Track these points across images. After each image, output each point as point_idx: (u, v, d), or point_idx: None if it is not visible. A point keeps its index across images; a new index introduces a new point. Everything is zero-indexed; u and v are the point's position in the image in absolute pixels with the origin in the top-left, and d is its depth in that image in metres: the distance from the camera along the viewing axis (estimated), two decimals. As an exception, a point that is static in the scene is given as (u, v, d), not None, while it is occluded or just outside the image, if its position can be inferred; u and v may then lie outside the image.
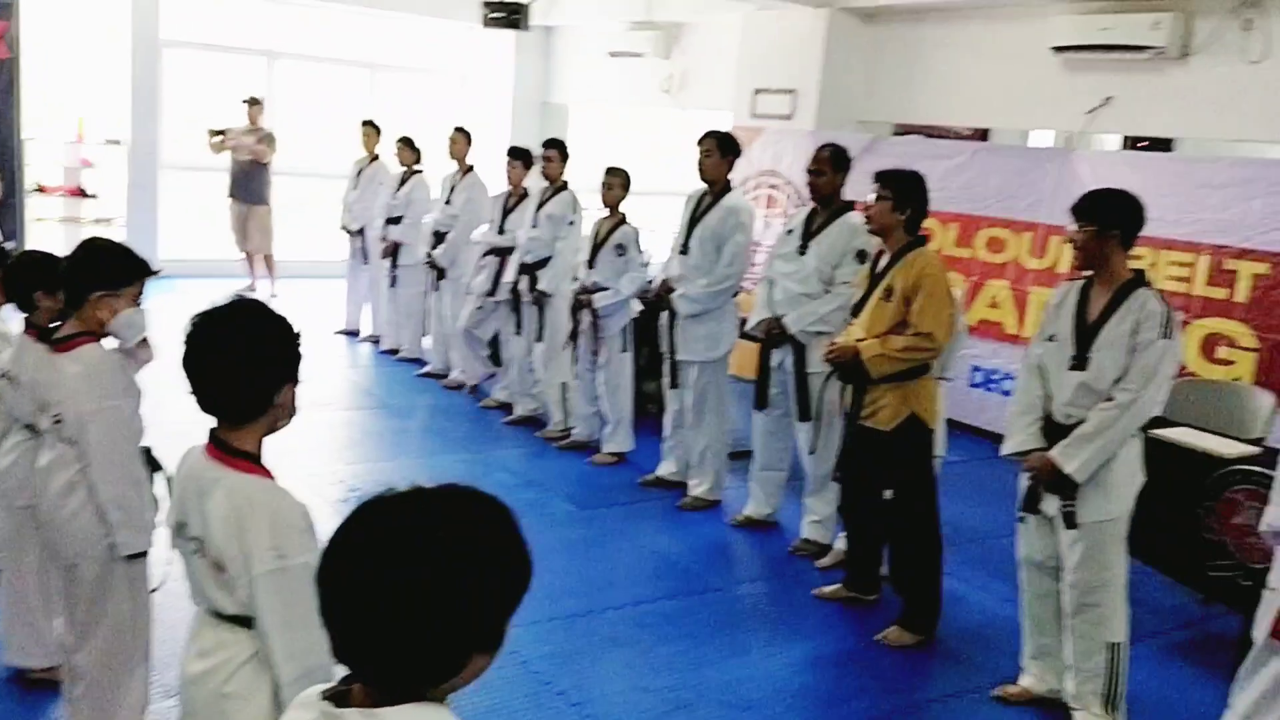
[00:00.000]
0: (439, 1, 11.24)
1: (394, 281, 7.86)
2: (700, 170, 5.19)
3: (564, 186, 6.25)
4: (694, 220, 5.23)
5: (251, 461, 1.94)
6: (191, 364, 1.89)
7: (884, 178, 4.09)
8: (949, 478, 4.14)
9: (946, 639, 4.08)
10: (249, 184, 9.85)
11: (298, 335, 1.99)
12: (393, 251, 7.77)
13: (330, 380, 7.24)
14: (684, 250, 5.24)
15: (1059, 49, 6.86)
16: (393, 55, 11.85)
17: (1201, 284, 5.94)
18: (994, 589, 4.48)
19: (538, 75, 11.81)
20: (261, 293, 9.99)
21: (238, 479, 1.91)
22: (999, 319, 6.91)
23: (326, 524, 1.80)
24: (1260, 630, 2.93)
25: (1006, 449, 3.54)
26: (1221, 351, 5.83)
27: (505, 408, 6.75)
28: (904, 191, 4.04)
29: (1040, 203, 6.78)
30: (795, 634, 4.08)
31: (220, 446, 1.93)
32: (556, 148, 6.29)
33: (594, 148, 10.24)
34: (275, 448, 1.99)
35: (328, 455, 5.68)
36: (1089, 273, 3.46)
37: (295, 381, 1.96)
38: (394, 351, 8.02)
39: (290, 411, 1.98)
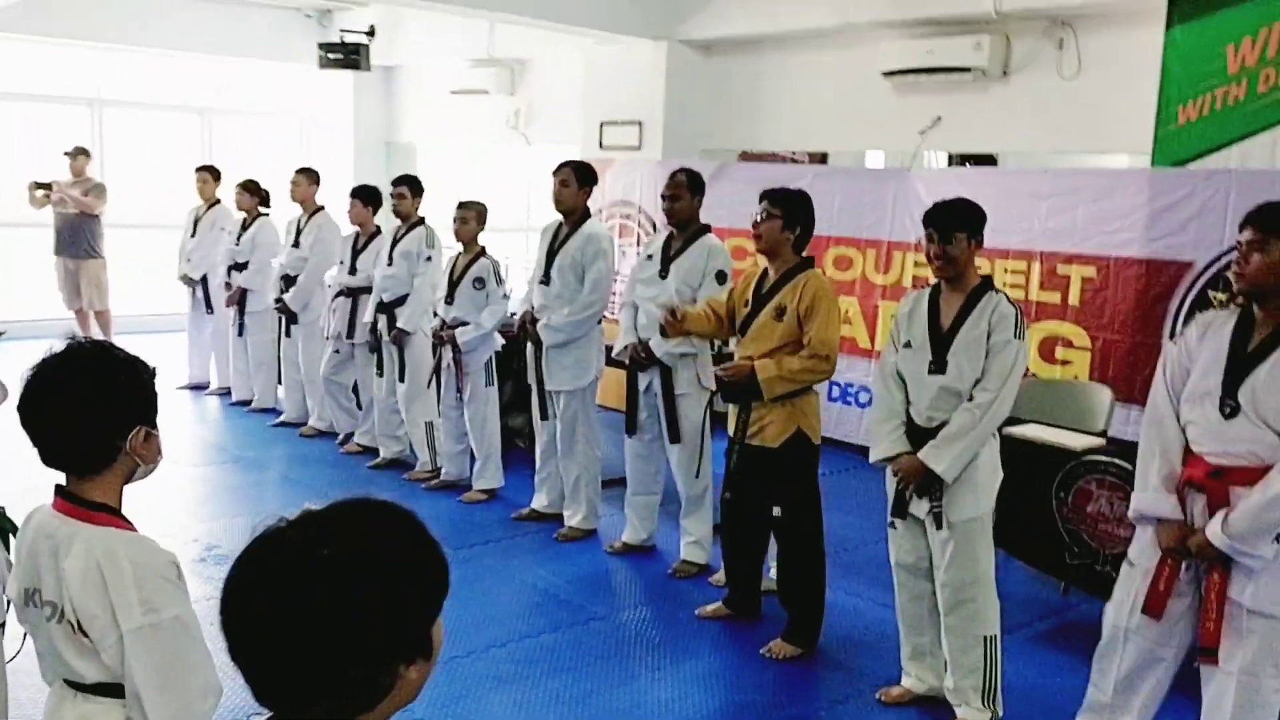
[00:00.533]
0: (273, 44, 11.02)
1: (241, 330, 7.58)
2: (557, 200, 5.19)
3: (419, 222, 6.16)
4: (553, 250, 5.22)
5: (110, 513, 1.82)
6: (30, 412, 1.76)
7: (772, 197, 4.13)
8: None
9: (829, 648, 4.14)
10: (78, 238, 9.36)
11: (149, 374, 1.88)
12: (239, 299, 7.50)
13: (178, 436, 6.90)
14: (545, 280, 5.22)
15: (889, 73, 7.18)
16: (226, 99, 11.51)
17: (1036, 289, 6.26)
18: (869, 595, 4.58)
19: (379, 115, 11.66)
20: (97, 351, 9.49)
21: (96, 532, 1.78)
22: (851, 335, 7.10)
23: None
24: (1121, 609, 3.08)
25: (875, 455, 3.63)
26: (1059, 352, 6.14)
27: (369, 452, 6.58)
28: (792, 210, 4.09)
29: (882, 220, 7.03)
30: (682, 655, 4.08)
31: (72, 500, 1.81)
32: (407, 184, 6.20)
33: (443, 185, 10.12)
34: (124, 509, 1.87)
35: (181, 514, 5.41)
36: (936, 280, 3.59)
37: (150, 424, 1.85)
38: (246, 403, 7.72)
39: (151, 458, 1.86)
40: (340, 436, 6.84)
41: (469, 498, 5.82)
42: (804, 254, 4.17)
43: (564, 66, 9.34)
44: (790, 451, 4.06)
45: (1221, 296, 5.42)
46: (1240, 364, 2.81)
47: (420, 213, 6.22)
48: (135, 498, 1.92)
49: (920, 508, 3.51)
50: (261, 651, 1.10)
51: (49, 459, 1.80)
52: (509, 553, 5.08)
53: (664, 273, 4.81)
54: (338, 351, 6.57)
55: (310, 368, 7.00)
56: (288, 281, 7.04)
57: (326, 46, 10.44)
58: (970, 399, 3.40)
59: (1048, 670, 4.05)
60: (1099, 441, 4.38)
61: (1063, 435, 4.44)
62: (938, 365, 3.47)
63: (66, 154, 9.34)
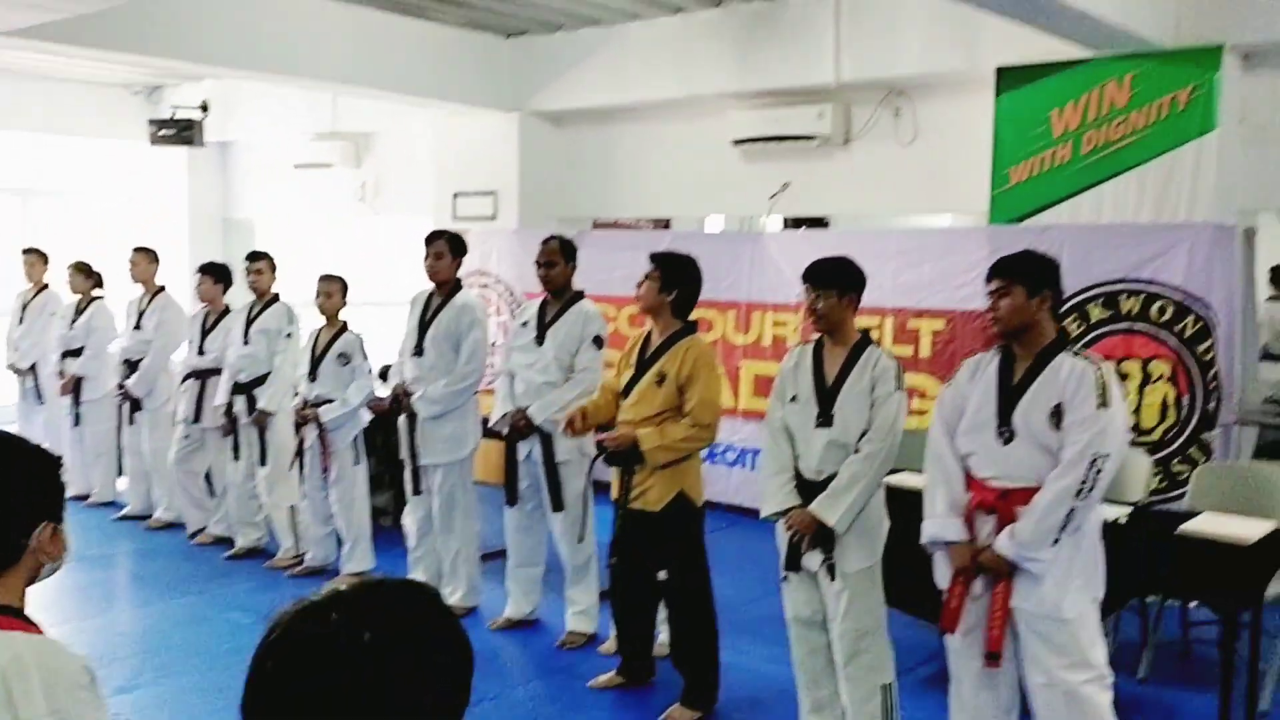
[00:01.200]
0: (100, 121, 10.57)
1: (77, 420, 7.11)
2: (430, 272, 5.12)
3: (276, 298, 5.95)
4: (425, 321, 5.13)
5: (13, 615, 1.66)
6: None
7: (655, 258, 4.17)
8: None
9: (727, 709, 4.12)
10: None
11: (54, 465, 1.75)
12: (74, 387, 7.05)
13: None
14: (418, 352, 5.11)
15: (738, 141, 7.42)
16: (48, 179, 10.92)
17: (889, 343, 6.50)
18: (761, 653, 4.59)
19: (215, 191, 11.29)
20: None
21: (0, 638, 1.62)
22: (716, 395, 7.21)
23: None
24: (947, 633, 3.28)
25: (766, 510, 3.67)
26: (915, 403, 6.36)
27: (224, 542, 6.23)
28: (671, 272, 4.12)
29: (739, 282, 7.20)
30: (580, 729, 3.98)
31: None
32: (264, 259, 6.00)
33: (287, 261, 9.84)
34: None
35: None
36: (817, 335, 3.68)
37: (56, 520, 1.71)
38: (84, 497, 7.21)
39: (58, 555, 1.72)
40: (190, 528, 6.46)
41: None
42: (689, 319, 4.21)
43: (412, 138, 9.27)
44: (673, 514, 4.05)
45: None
46: (1010, 395, 3.14)
47: (275, 289, 6.01)
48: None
49: (813, 560, 3.56)
50: None
51: None
52: (388, 637, 4.87)
53: (540, 340, 4.78)
54: (188, 437, 6.24)
55: (157, 456, 6.62)
56: (130, 366, 6.67)
57: (158, 123, 10.08)
58: (857, 451, 3.48)
59: (935, 712, 4.11)
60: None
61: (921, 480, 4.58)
62: (824, 419, 3.55)
63: None
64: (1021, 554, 3.03)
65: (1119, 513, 4.03)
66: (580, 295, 4.85)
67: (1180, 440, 5.35)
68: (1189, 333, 5.37)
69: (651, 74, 7.50)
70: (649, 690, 4.26)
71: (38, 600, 5.07)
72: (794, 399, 3.65)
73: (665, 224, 9.03)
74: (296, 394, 5.64)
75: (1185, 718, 4.13)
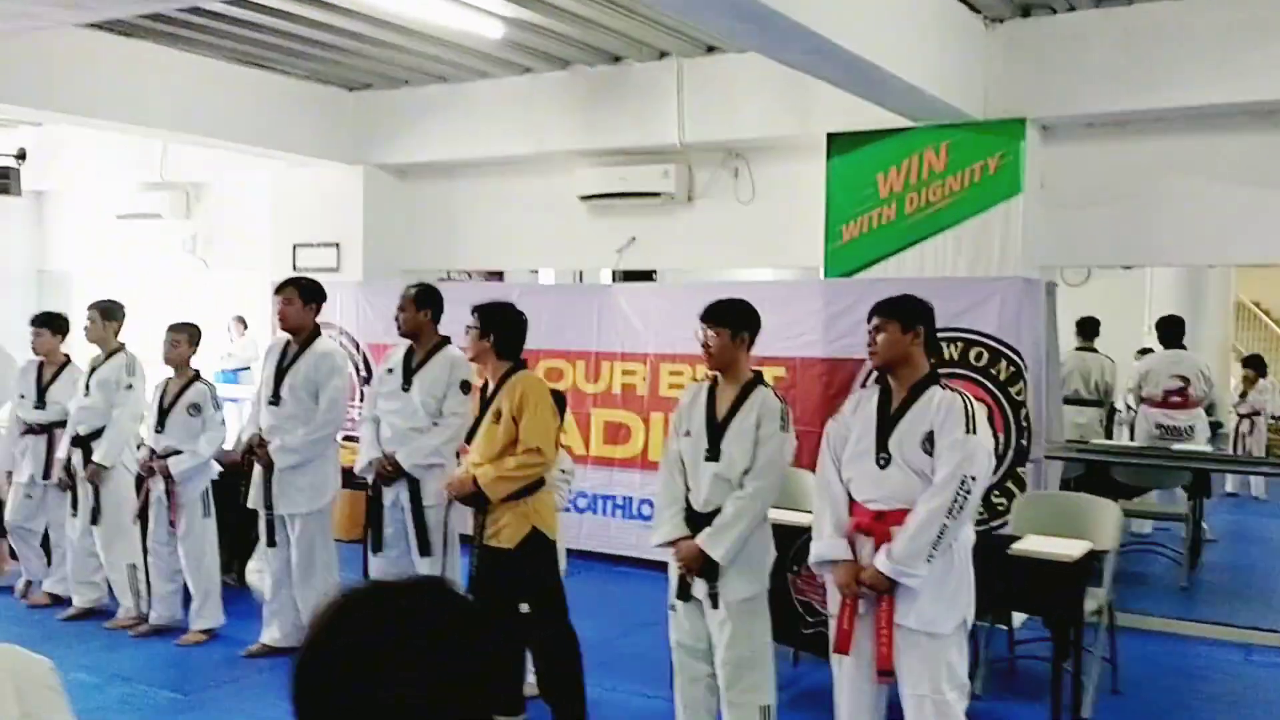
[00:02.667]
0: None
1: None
2: (282, 319, 5.10)
3: (119, 349, 5.76)
4: (281, 369, 5.09)
5: None
6: None
7: (475, 309, 4.33)
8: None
9: (592, 735, 4.23)
10: None
11: None
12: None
13: None
14: (274, 401, 5.07)
15: (585, 197, 7.67)
16: None
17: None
18: (629, 688, 4.73)
19: (29, 242, 10.74)
20: None
21: None
22: (568, 443, 7.32)
23: None
24: (833, 661, 3.55)
25: (656, 539, 3.85)
26: (759, 447, 6.70)
27: (61, 602, 5.92)
28: (488, 319, 4.27)
29: (589, 332, 7.41)
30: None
31: None
32: (98, 308, 5.80)
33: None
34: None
35: None
36: (715, 374, 3.89)
37: None
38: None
39: None
40: (20, 585, 6.11)
41: (187, 639, 5.40)
42: (518, 359, 4.36)
43: (247, 189, 9.12)
44: (528, 550, 4.16)
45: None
46: (887, 423, 3.42)
47: (120, 339, 5.82)
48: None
49: (700, 589, 3.75)
50: None
51: None
52: (248, 692, 4.77)
53: (406, 386, 4.83)
54: (30, 496, 5.92)
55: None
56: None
57: (-31, 169, 9.56)
58: (741, 486, 3.69)
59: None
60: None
61: (790, 515, 4.87)
62: (712, 453, 3.76)
63: None
64: (898, 569, 3.27)
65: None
66: (446, 341, 4.94)
67: (999, 474, 5.84)
68: (1003, 375, 5.89)
69: (500, 130, 7.68)
70: (523, 724, 4.32)
71: None
72: (688, 433, 3.84)
73: (498, 275, 9.15)
74: (141, 446, 5.47)
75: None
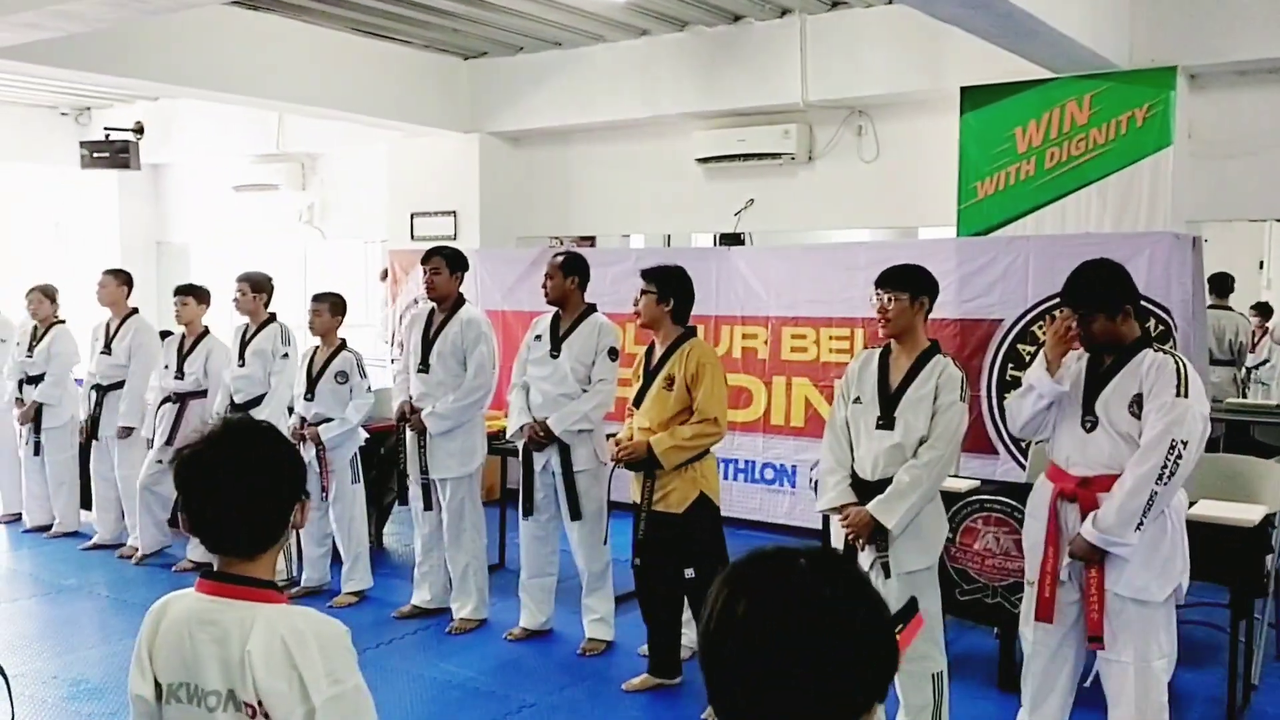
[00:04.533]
0: (26, 144, 10.25)
1: (37, 449, 6.88)
2: (430, 288, 5.16)
3: (271, 319, 5.90)
4: (428, 338, 5.16)
5: (275, 590, 1.79)
6: (206, 497, 1.73)
7: (647, 274, 4.34)
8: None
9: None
10: None
11: (292, 443, 1.95)
12: (35, 414, 6.83)
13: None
14: (423, 368, 5.14)
15: (702, 160, 7.61)
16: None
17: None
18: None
19: (148, 214, 11.03)
20: None
21: (274, 610, 1.74)
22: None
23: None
24: (1026, 626, 3.48)
25: (821, 504, 3.82)
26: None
27: (205, 568, 6.10)
28: (666, 284, 4.30)
29: (708, 298, 7.35)
30: (626, 730, 4.07)
31: (238, 581, 1.76)
32: (248, 280, 5.93)
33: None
34: None
35: (25, 652, 4.83)
36: (889, 340, 3.82)
37: (306, 496, 1.85)
38: (45, 528, 6.99)
39: (303, 524, 1.88)
40: (138, 555, 6.35)
41: (339, 602, 5.53)
42: (688, 324, 4.36)
43: (362, 159, 9.25)
44: (695, 515, 4.20)
45: (1030, 349, 6.07)
46: (1095, 385, 3.33)
47: (271, 309, 5.96)
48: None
49: (868, 557, 3.72)
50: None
51: (222, 542, 1.76)
52: (401, 652, 4.88)
53: (555, 352, 4.86)
54: (160, 461, 6.11)
55: (127, 482, 6.47)
56: (99, 391, 6.51)
57: (91, 145, 9.83)
58: (915, 456, 3.64)
59: (958, 699, 4.32)
60: (976, 483, 4.78)
61: (948, 480, 4.80)
62: (885, 421, 3.70)
63: None
64: (1106, 538, 3.17)
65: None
66: (593, 308, 4.94)
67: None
68: (1152, 334, 5.71)
69: (615, 95, 7.65)
70: (680, 690, 4.36)
71: (29, 631, 5.03)
72: (857, 400, 3.80)
73: (590, 241, 9.03)
74: (291, 414, 5.60)
75: (1184, 694, 4.40)
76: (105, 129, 9.94)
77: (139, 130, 10.06)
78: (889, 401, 3.71)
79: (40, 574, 6.23)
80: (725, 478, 7.24)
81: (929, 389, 3.66)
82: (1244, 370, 8.61)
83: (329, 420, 5.44)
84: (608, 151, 8.17)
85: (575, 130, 8.16)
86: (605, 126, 7.98)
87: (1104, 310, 3.30)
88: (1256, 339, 9.08)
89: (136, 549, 6.46)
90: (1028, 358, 6.05)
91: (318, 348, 5.57)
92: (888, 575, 3.66)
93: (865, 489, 3.69)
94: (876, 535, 3.63)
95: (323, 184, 9.81)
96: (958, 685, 4.33)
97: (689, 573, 4.22)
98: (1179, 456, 3.14)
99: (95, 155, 9.86)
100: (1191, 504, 4.33)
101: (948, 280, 6.41)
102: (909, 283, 3.73)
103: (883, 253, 6.85)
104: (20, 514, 7.21)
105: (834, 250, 7.33)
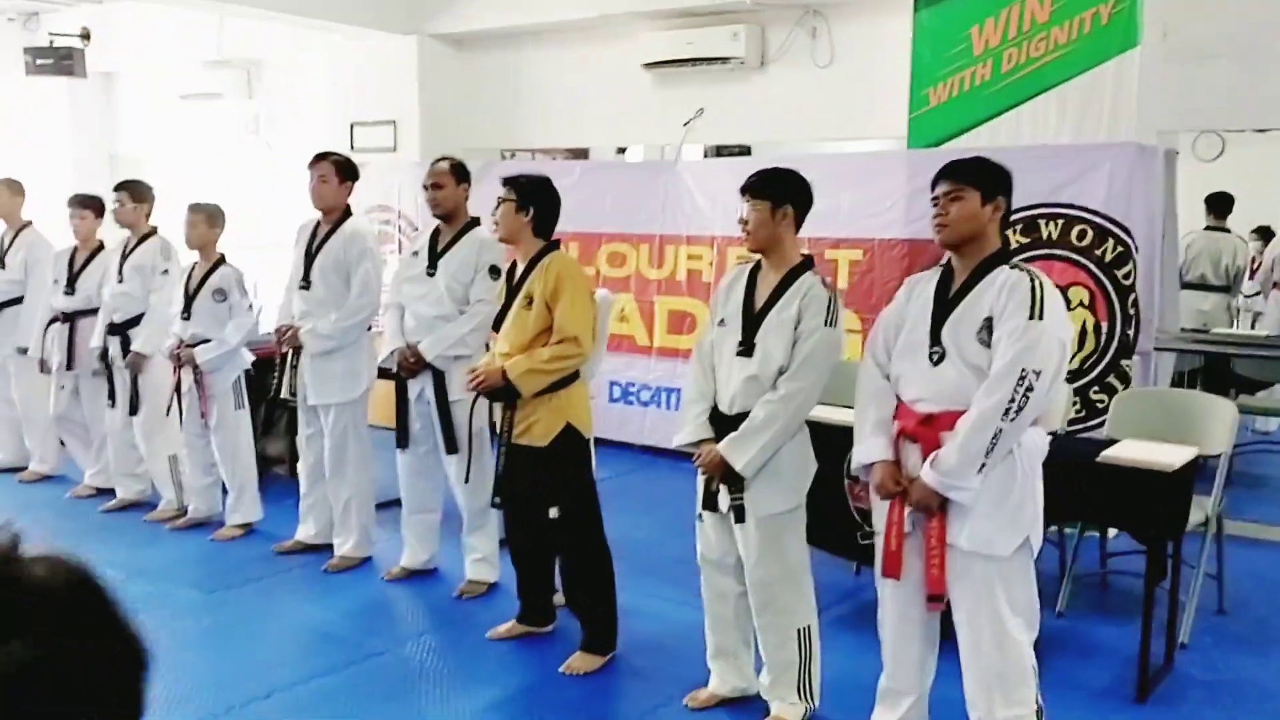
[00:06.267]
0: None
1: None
2: (315, 196, 4.74)
3: (152, 233, 5.49)
4: (311, 251, 4.74)
5: None
6: None
7: (508, 181, 3.90)
8: (603, 494, 3.96)
9: (631, 655, 3.88)
10: None
11: None
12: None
13: None
14: (305, 284, 4.74)
15: (650, 65, 7.07)
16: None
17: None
18: (666, 595, 4.37)
19: (100, 126, 10.60)
20: None
21: None
22: (629, 332, 6.94)
23: None
24: (877, 581, 3.06)
25: (678, 440, 3.40)
26: (833, 336, 6.16)
27: (105, 494, 5.81)
28: (527, 193, 3.86)
29: (654, 215, 6.90)
30: (476, 683, 3.71)
31: None
32: (128, 189, 5.52)
33: (178, 198, 9.25)
34: None
35: None
36: (758, 256, 3.38)
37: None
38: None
39: None
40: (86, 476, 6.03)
41: (222, 534, 5.22)
42: (551, 238, 3.92)
43: (303, 66, 8.75)
44: (560, 448, 3.78)
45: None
46: (943, 311, 2.87)
47: (152, 223, 5.55)
48: None
49: (724, 501, 3.31)
50: None
51: None
52: (272, 591, 4.55)
53: (432, 270, 4.43)
54: (63, 386, 5.77)
55: (27, 404, 6.16)
56: (-2, 308, 6.17)
57: (35, 51, 9.37)
58: (775, 389, 3.20)
59: (851, 652, 3.93)
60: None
61: (846, 414, 4.36)
62: (745, 348, 3.26)
63: None
64: (945, 482, 2.77)
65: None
66: (475, 222, 4.50)
67: (1099, 368, 5.21)
68: (1109, 257, 5.20)
69: (559, -8, 7.09)
70: (549, 639, 4.01)
71: None
72: (722, 323, 3.36)
73: (583, 153, 8.63)
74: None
75: (1105, 651, 4.00)
76: (49, 34, 9.48)
77: (85, 36, 9.59)
78: (751, 325, 3.27)
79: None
80: (667, 408, 6.83)
81: (791, 313, 3.21)
82: (1240, 298, 8.05)
83: (207, 341, 5.06)
84: (554, 56, 7.63)
85: (520, 32, 7.62)
86: (550, 28, 7.44)
87: (977, 186, 2.84)
88: (1255, 265, 8.49)
89: (39, 473, 6.19)
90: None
91: (196, 263, 5.17)
92: (738, 519, 3.26)
93: (724, 423, 3.27)
94: (730, 476, 3.22)
95: (268, 93, 9.31)
96: (855, 638, 3.95)
97: (553, 512, 3.83)
98: (1029, 389, 2.69)
99: (39, 62, 9.40)
100: (1112, 443, 3.90)
101: (895, 196, 5.93)
102: (769, 190, 3.26)
103: (832, 166, 6.34)
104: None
105: (781, 164, 6.79)
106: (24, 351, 6.09)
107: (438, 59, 7.92)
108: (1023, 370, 2.69)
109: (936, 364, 2.86)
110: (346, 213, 4.78)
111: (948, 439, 2.79)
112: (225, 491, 5.32)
